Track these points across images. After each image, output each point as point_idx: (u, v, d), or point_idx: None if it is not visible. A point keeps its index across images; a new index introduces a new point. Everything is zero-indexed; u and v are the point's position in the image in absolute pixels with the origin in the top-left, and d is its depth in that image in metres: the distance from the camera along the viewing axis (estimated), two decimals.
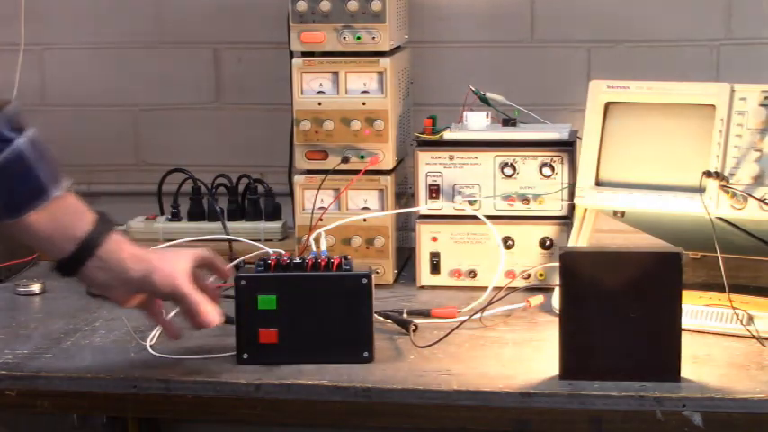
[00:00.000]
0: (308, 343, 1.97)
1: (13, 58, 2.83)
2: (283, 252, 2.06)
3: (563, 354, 1.88)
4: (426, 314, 2.22)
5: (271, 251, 2.07)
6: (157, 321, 1.99)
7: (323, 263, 1.98)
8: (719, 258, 2.03)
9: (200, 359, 2.00)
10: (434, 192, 2.40)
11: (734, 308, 2.05)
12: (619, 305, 1.86)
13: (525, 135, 2.41)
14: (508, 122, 2.47)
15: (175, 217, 2.74)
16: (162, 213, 2.78)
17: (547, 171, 2.36)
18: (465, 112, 2.45)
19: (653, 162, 2.17)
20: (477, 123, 2.43)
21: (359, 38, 2.42)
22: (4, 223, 1.80)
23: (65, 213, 1.81)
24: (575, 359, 1.88)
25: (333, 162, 2.43)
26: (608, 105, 2.22)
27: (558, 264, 1.87)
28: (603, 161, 2.21)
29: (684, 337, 1.89)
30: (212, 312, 1.91)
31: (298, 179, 2.47)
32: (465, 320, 2.13)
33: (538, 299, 2.23)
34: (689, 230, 2.18)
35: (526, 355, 2.01)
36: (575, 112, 2.62)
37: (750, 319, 2.05)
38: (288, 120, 2.56)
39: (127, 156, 2.95)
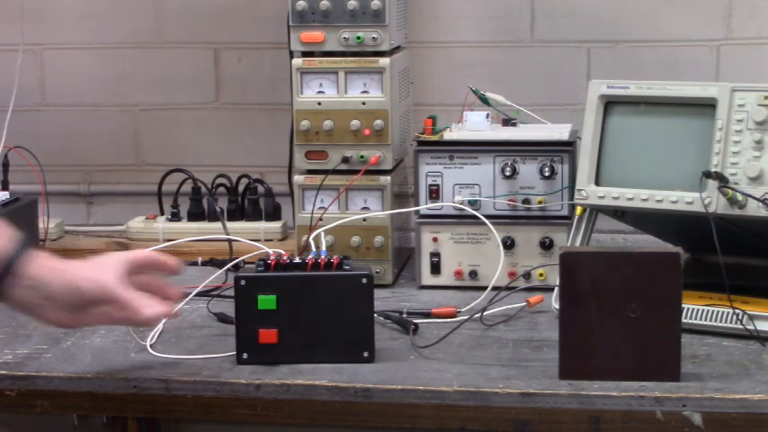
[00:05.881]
0: (308, 343, 1.97)
1: (13, 58, 2.83)
2: (283, 252, 2.05)
3: (563, 354, 1.88)
4: (426, 314, 2.22)
5: (271, 251, 2.07)
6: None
7: (323, 263, 1.98)
8: (719, 258, 2.03)
9: (200, 359, 2.00)
10: (434, 192, 2.40)
11: (734, 308, 2.04)
12: (619, 305, 1.85)
13: (525, 135, 2.41)
14: (508, 122, 2.47)
15: (175, 217, 2.74)
16: (162, 213, 2.78)
17: (547, 171, 2.36)
18: (465, 112, 2.45)
19: (653, 162, 2.16)
20: (477, 123, 2.43)
21: (359, 38, 2.42)
22: None
23: None
24: (574, 359, 1.87)
25: (333, 162, 2.43)
26: (608, 105, 2.21)
27: (558, 264, 1.87)
28: (603, 161, 2.21)
29: (684, 337, 1.89)
30: (151, 306, 1.82)
31: (298, 179, 2.46)
32: (465, 320, 2.13)
33: (538, 299, 2.23)
34: (689, 230, 2.18)
35: (526, 355, 2.01)
36: (575, 112, 2.63)
37: (750, 319, 2.05)
38: (288, 120, 2.56)
39: (127, 156, 2.95)
